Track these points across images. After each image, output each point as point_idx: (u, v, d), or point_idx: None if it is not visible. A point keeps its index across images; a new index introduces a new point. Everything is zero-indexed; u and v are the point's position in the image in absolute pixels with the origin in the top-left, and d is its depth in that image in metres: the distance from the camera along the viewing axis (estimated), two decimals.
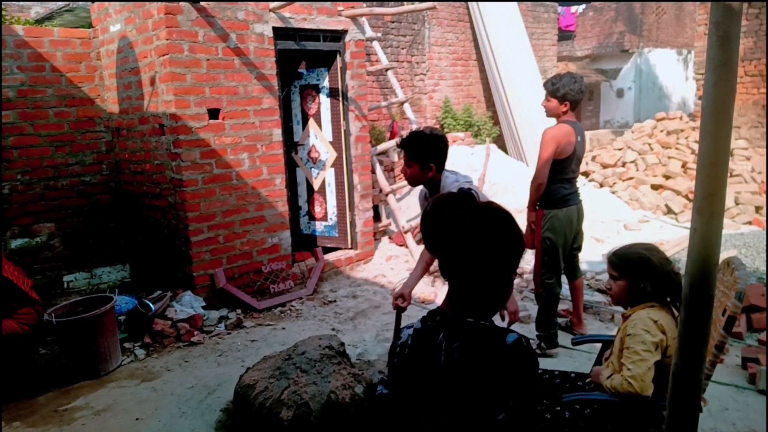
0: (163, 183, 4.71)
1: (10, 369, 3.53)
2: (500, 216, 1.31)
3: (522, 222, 3.93)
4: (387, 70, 6.76)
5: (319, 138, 5.72)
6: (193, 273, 4.58)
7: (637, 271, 2.10)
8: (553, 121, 3.69)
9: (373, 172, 6.15)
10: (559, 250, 3.60)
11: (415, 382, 1.33)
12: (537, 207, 3.63)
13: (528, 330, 4.07)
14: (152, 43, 4.41)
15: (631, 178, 7.92)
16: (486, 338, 1.28)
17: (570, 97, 3.50)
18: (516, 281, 5.14)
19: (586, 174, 8.46)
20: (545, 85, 3.60)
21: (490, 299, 1.33)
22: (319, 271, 5.25)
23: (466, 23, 8.96)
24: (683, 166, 7.76)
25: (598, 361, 2.42)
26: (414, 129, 2.78)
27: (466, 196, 1.34)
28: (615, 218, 6.84)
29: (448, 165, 2.79)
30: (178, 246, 4.69)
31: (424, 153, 2.66)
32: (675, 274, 2.06)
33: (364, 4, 6.04)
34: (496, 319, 1.43)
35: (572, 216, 3.62)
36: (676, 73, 16.93)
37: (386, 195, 6.19)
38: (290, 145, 5.82)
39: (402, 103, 6.76)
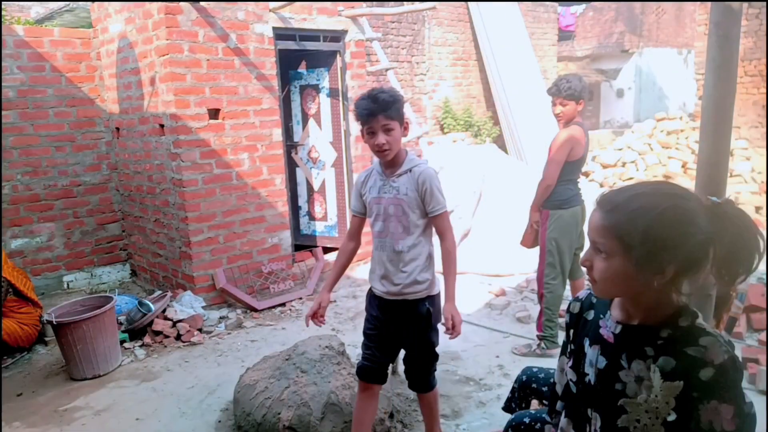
0: (163, 183, 4.71)
1: (10, 369, 3.54)
2: None
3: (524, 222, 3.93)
4: (387, 70, 6.74)
5: (319, 138, 5.72)
6: (193, 273, 4.58)
7: None
8: (555, 124, 3.67)
9: None
10: (565, 250, 3.59)
11: None
12: (541, 208, 3.63)
13: (528, 330, 4.07)
14: (152, 43, 4.41)
15: (631, 179, 7.92)
16: None
17: (584, 95, 3.48)
18: (516, 281, 5.14)
19: (586, 174, 8.46)
20: (557, 91, 3.48)
21: None
22: (319, 271, 5.25)
23: (466, 23, 8.95)
24: (683, 166, 7.76)
25: None
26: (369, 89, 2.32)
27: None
28: None
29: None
30: (178, 246, 4.69)
31: (401, 109, 2.22)
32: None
33: (364, 5, 6.04)
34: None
35: (577, 216, 3.62)
36: (676, 73, 16.91)
37: None
38: (290, 145, 5.82)
39: None
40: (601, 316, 1.34)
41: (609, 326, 1.29)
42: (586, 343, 1.35)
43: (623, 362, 1.23)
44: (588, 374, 1.33)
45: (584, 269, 1.32)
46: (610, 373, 1.27)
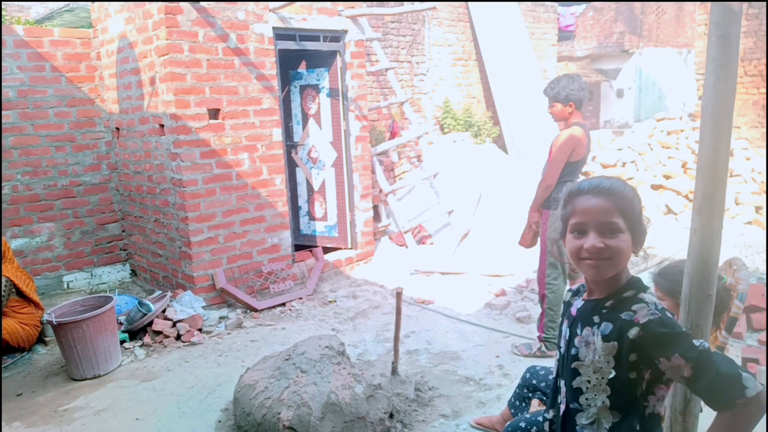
0: (163, 183, 4.71)
1: (10, 369, 3.54)
2: None
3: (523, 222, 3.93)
4: (387, 70, 6.75)
5: (319, 138, 5.73)
6: (193, 273, 4.58)
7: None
8: (555, 124, 3.68)
9: (373, 172, 6.15)
10: (566, 250, 3.59)
11: None
12: (542, 208, 3.63)
13: (528, 330, 4.07)
14: (152, 43, 4.41)
15: (630, 179, 7.91)
16: None
17: (573, 96, 3.49)
18: (516, 281, 5.14)
19: (586, 174, 8.46)
20: (545, 92, 3.59)
21: None
22: (319, 271, 5.25)
23: (466, 23, 8.95)
24: (683, 166, 7.75)
25: None
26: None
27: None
28: None
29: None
30: (178, 246, 4.69)
31: None
32: (725, 292, 1.93)
33: (364, 4, 6.04)
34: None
35: None
36: (676, 73, 16.91)
37: (386, 195, 6.18)
38: (290, 145, 5.82)
39: (402, 103, 6.75)
40: (576, 298, 1.57)
41: (576, 304, 1.52)
42: (564, 323, 1.56)
43: (578, 330, 1.44)
44: (561, 347, 1.54)
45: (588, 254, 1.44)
46: (570, 341, 1.48)
